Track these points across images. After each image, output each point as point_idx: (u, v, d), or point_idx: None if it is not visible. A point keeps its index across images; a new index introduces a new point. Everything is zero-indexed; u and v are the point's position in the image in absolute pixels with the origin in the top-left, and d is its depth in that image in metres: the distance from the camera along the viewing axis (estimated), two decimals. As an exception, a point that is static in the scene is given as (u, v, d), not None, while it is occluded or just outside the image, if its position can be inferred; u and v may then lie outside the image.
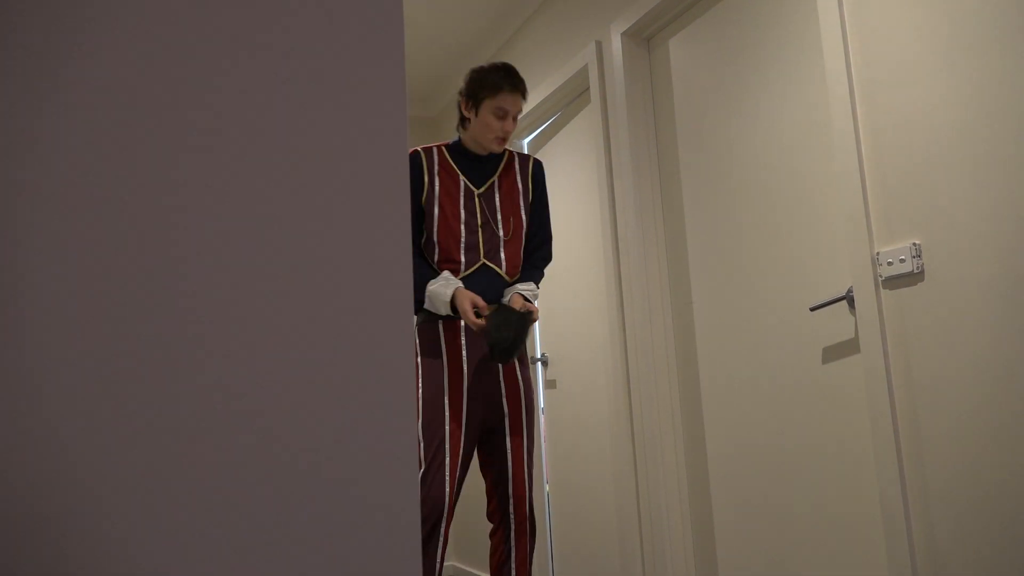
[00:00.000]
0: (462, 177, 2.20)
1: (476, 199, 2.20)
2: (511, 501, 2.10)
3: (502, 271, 2.20)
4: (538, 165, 2.33)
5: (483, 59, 3.83)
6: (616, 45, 2.72)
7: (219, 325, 0.43)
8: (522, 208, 2.26)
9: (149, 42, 0.43)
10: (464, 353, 2.13)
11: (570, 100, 3.19)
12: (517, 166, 2.30)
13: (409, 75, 4.03)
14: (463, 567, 3.94)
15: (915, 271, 1.65)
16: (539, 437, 3.39)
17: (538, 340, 3.45)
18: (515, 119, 2.18)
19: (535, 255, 2.31)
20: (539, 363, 3.42)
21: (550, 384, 3.31)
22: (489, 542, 2.38)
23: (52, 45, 0.41)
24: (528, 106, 3.34)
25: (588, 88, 3.05)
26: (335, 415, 0.44)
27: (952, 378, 1.58)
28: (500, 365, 2.15)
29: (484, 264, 2.18)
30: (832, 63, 1.85)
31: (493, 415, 2.15)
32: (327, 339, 0.45)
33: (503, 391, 2.16)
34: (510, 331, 1.99)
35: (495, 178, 2.25)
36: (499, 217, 2.22)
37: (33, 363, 0.39)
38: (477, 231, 2.19)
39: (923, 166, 1.65)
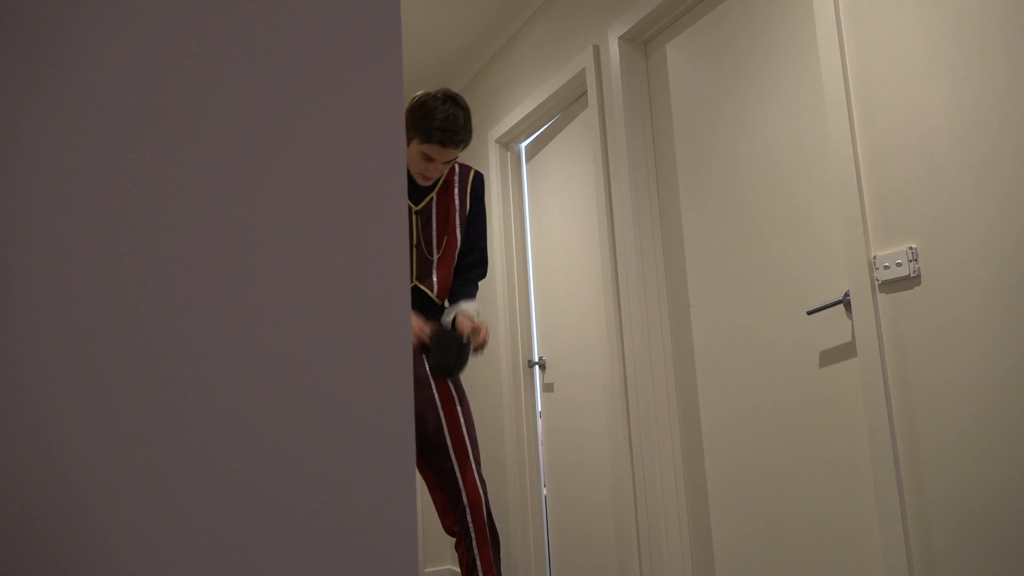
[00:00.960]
0: None
1: (413, 216, 2.15)
2: (467, 510, 2.04)
3: (433, 294, 2.16)
4: (478, 179, 2.25)
5: (481, 62, 3.84)
6: (613, 49, 2.72)
7: (216, 326, 0.42)
8: (457, 226, 2.20)
9: (145, 41, 0.43)
10: None
11: (567, 104, 3.20)
12: (457, 179, 2.23)
13: (406, 79, 4.04)
14: (459, 571, 3.93)
15: (912, 275, 1.65)
16: (536, 440, 3.38)
17: (535, 343, 3.45)
18: (448, 163, 2.08)
19: (471, 271, 2.24)
20: (536, 366, 3.42)
21: (547, 388, 3.31)
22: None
23: (50, 45, 0.41)
24: (525, 109, 3.34)
25: (585, 92, 3.06)
26: (332, 417, 0.44)
27: (949, 382, 1.58)
28: (432, 380, 2.15)
29: (415, 287, 2.14)
30: (828, 67, 1.86)
31: (430, 431, 2.11)
32: (325, 340, 0.45)
33: (438, 404, 2.12)
34: (451, 355, 2.05)
35: (433, 195, 2.19)
36: (433, 236, 2.16)
37: (31, 364, 0.39)
38: (411, 251, 2.14)
39: (920, 170, 1.65)
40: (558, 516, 3.21)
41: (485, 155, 3.79)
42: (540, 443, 3.38)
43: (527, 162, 3.58)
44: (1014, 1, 1.47)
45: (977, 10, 1.54)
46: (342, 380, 0.45)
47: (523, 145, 3.62)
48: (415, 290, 2.15)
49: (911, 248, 1.66)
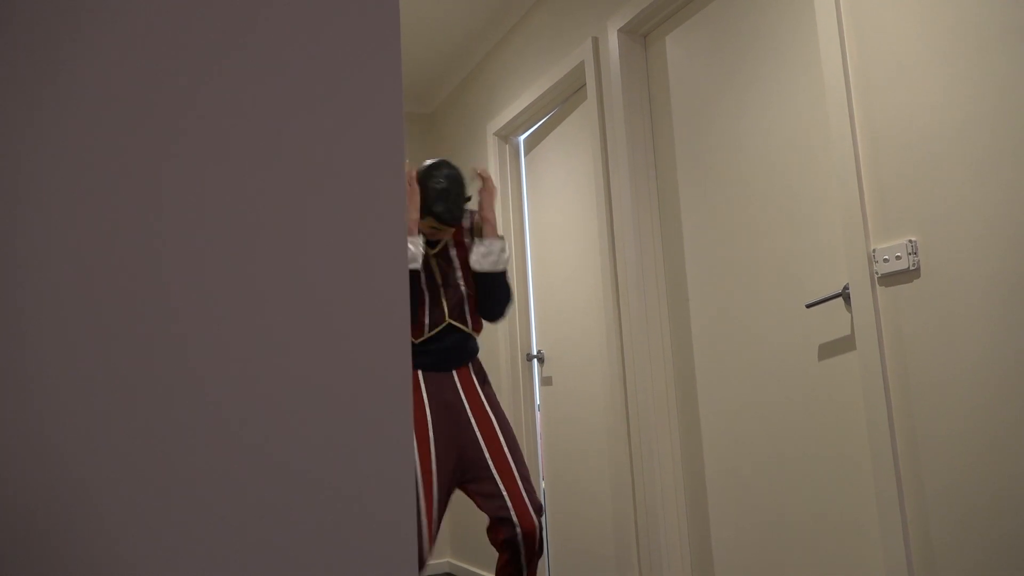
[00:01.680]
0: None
1: (432, 260, 2.19)
2: (518, 533, 2.03)
3: (468, 328, 2.19)
4: None
5: (479, 54, 3.82)
6: (613, 41, 2.72)
7: (215, 327, 0.42)
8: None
9: (143, 40, 0.43)
10: (424, 394, 2.10)
11: (566, 97, 3.19)
12: (468, 224, 2.30)
13: (405, 72, 4.02)
14: (463, 565, 3.95)
15: (911, 268, 1.65)
16: (535, 433, 3.39)
17: (534, 337, 3.45)
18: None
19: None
20: (535, 360, 3.42)
21: (546, 381, 3.31)
22: (486, 539, 2.33)
23: (49, 45, 0.41)
24: (524, 102, 3.34)
25: (584, 85, 3.05)
26: (332, 423, 0.44)
27: (948, 375, 1.58)
28: (465, 400, 2.13)
29: (450, 324, 2.16)
30: (829, 59, 1.85)
31: (469, 451, 2.09)
32: (323, 344, 0.45)
33: (473, 423, 2.11)
34: (441, 181, 2.08)
35: (449, 237, 2.25)
36: (459, 272, 2.21)
37: (31, 364, 0.38)
38: (438, 289, 2.17)
39: (920, 163, 1.65)
40: (557, 509, 3.22)
41: (484, 148, 3.79)
42: (539, 436, 3.39)
43: (525, 155, 3.57)
44: (1015, -7, 1.47)
45: (977, 6, 1.54)
46: (342, 379, 0.45)
47: (522, 138, 3.62)
48: (450, 328, 2.17)
49: (911, 241, 1.66)
